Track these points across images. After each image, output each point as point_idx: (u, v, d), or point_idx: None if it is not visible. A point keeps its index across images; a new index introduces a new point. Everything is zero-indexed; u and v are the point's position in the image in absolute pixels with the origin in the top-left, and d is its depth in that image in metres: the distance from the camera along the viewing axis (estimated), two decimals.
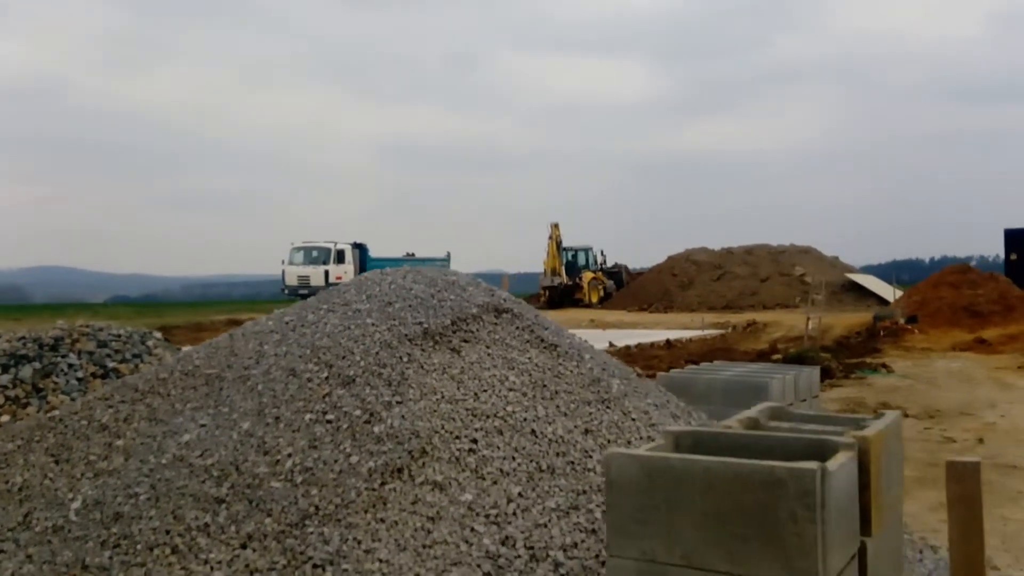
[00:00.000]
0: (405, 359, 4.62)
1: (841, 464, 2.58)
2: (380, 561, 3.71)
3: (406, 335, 4.78)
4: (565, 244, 42.90)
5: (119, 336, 7.63)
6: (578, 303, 40.88)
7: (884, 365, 16.71)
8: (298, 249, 38.14)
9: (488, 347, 4.97)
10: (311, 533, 3.75)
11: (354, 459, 4.07)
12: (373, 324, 4.85)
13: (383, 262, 40.31)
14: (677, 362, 17.13)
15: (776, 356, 18.01)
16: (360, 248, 38.91)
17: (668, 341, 24.00)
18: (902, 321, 25.00)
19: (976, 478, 2.46)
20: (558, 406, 4.71)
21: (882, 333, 24.25)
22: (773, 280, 41.42)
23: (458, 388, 4.61)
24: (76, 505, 4.07)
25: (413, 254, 43.68)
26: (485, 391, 4.64)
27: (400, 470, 4.05)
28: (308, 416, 4.29)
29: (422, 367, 4.64)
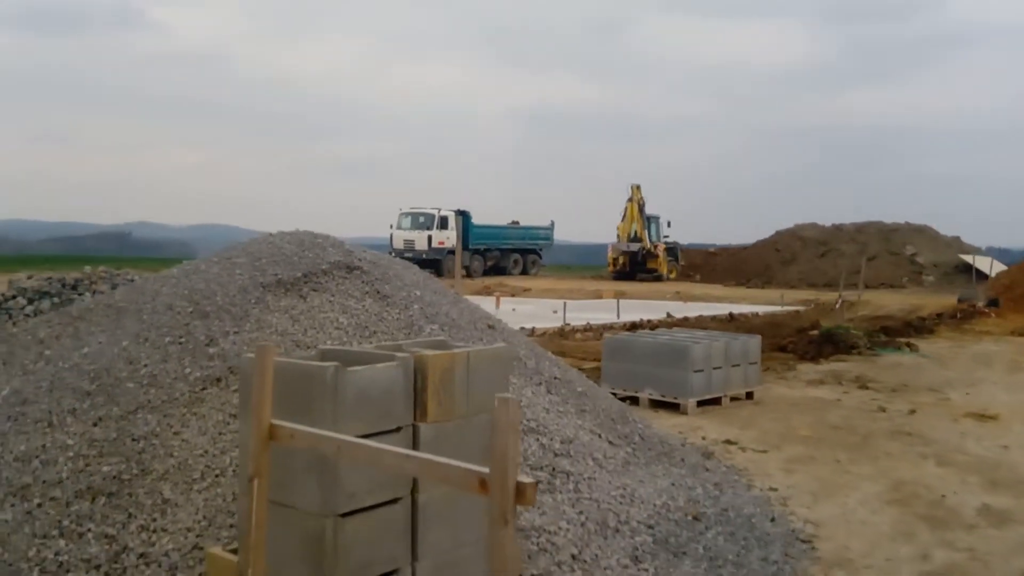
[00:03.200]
0: (253, 301, 6.05)
1: (371, 368, 3.80)
2: (182, 440, 5.17)
3: (262, 283, 6.20)
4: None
5: (132, 280, 9.40)
6: (651, 273, 40.42)
7: (909, 344, 16.83)
8: (406, 214, 40.29)
9: (332, 296, 6.32)
10: (139, 418, 5.25)
11: (188, 370, 5.53)
12: (240, 274, 6.29)
13: (486, 228, 41.93)
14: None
15: (812, 332, 18.35)
16: (463, 215, 40.59)
17: (731, 314, 24.47)
18: (980, 304, 24.39)
19: None
20: (371, 342, 6.00)
21: (958, 315, 23.78)
22: (881, 259, 40.30)
23: (292, 324, 5.99)
24: (4, 392, 5.75)
25: (517, 222, 45.10)
26: (314, 328, 6.00)
27: (219, 379, 5.48)
28: (168, 339, 5.79)
29: (268, 307, 6.05)
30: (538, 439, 5.88)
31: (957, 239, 43.97)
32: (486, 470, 2.27)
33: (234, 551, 4.15)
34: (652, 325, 20.79)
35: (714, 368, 10.01)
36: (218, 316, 5.93)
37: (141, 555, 4.55)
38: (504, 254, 42.46)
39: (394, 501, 3.97)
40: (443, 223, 39.23)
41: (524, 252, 43.52)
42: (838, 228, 44.40)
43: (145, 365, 5.62)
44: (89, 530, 4.66)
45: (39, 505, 4.82)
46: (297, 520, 3.85)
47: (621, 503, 5.69)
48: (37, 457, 5.11)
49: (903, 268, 39.48)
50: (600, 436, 6.56)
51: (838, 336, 17.17)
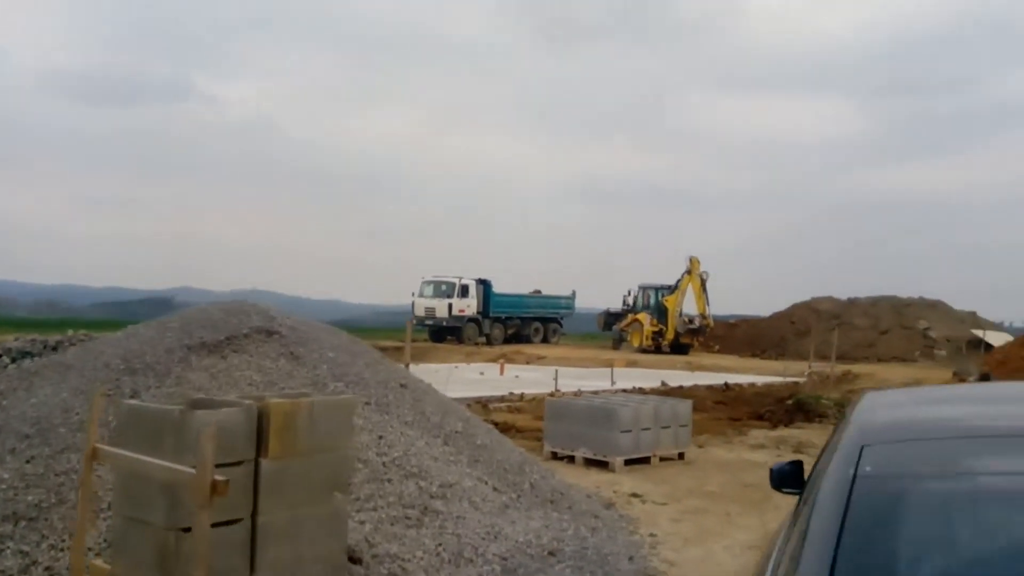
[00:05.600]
0: (177, 360, 7.03)
1: (213, 412, 4.71)
2: (96, 476, 6.09)
3: (187, 344, 7.20)
4: (646, 283, 41.10)
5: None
6: (683, 349, 40.02)
7: None
8: (428, 283, 41.40)
9: (251, 356, 7.29)
10: (64, 457, 6.20)
11: (111, 418, 6.49)
12: (169, 336, 7.30)
13: (507, 298, 42.85)
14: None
15: (789, 401, 18.93)
16: (484, 284, 41.64)
17: (726, 384, 25.01)
18: (971, 378, 24.60)
19: None
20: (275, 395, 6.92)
21: None
22: (893, 333, 40.48)
23: (210, 380, 6.95)
24: None
25: (539, 291, 45.99)
26: (229, 384, 6.96)
27: None
28: (99, 391, 6.77)
29: (190, 366, 7.03)
30: (417, 483, 6.70)
31: (973, 314, 43.91)
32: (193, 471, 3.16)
33: (108, 563, 5.03)
34: (660, 392, 21.45)
35: (643, 429, 10.73)
36: (144, 373, 6.92)
37: (47, 568, 5.44)
38: (525, 322, 43.23)
39: (235, 521, 4.82)
40: (464, 291, 40.28)
41: (545, 320, 44.31)
42: (852, 302, 44.67)
43: (77, 413, 6.60)
44: (8, 547, 5.58)
45: None
46: (151, 533, 4.72)
47: (483, 539, 6.46)
48: None
49: (915, 342, 39.56)
50: (486, 483, 7.35)
51: (809, 405, 17.81)
